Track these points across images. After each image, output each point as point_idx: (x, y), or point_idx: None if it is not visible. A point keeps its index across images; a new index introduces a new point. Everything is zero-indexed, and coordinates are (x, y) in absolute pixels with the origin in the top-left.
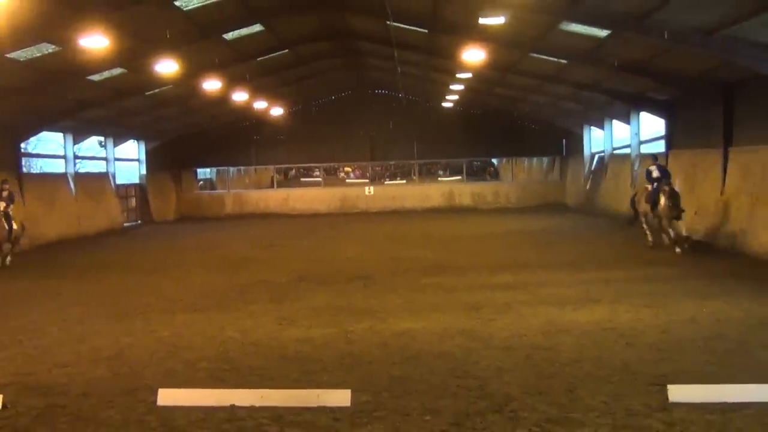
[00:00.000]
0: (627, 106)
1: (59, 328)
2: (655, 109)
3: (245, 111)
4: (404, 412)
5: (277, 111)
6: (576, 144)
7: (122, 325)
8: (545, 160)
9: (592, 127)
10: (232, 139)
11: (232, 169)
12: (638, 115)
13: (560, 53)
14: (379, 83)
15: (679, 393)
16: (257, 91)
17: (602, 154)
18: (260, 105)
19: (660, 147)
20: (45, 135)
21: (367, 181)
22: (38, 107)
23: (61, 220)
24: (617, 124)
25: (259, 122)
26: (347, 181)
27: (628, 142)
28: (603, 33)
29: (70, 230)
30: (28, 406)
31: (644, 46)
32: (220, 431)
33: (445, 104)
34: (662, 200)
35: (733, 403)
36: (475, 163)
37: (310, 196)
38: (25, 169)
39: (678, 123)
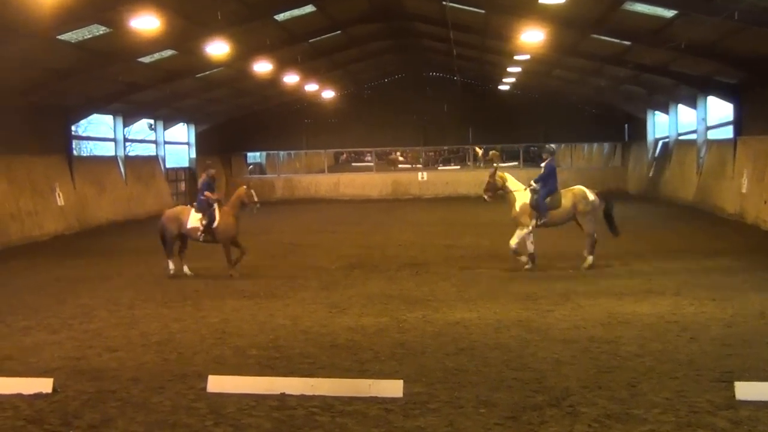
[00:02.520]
0: (693, 90)
1: (109, 312)
2: (724, 93)
3: (296, 94)
4: (458, 405)
5: (328, 94)
6: (639, 129)
7: (172, 310)
8: (606, 146)
9: (656, 112)
10: (283, 122)
11: (282, 153)
12: (705, 99)
13: (623, 34)
14: (432, 66)
15: (746, 390)
16: (308, 74)
17: (667, 140)
18: (311, 88)
19: (728, 133)
20: (95, 117)
21: (421, 166)
22: (88, 89)
23: (112, 204)
24: (683, 109)
25: (310, 105)
26: (399, 166)
27: (694, 128)
28: (669, 13)
29: (120, 213)
30: (78, 391)
31: (713, 27)
32: (270, 419)
33: (502, 87)
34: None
35: None
36: (532, 148)
37: (362, 181)
38: (75, 152)
39: (748, 108)
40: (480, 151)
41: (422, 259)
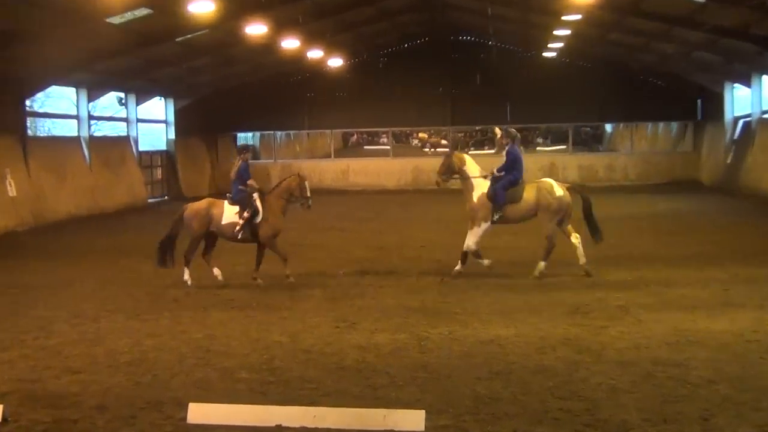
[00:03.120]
0: None
1: (71, 326)
2: None
3: (296, 62)
4: None
5: (335, 63)
6: (714, 106)
7: (146, 323)
8: (674, 126)
9: (736, 85)
10: (280, 97)
11: (279, 133)
12: None
13: None
14: (462, 28)
15: None
16: (311, 38)
17: (749, 118)
18: (315, 55)
19: None
20: (54, 90)
21: (448, 149)
22: (46, 56)
23: (73, 195)
24: None
25: (313, 77)
26: (422, 150)
27: None
28: None
29: (83, 207)
30: (33, 420)
31: None
32: None
33: (547, 54)
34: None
35: None
36: (585, 129)
37: (376, 169)
38: (30, 132)
39: None
40: (500, 133)
41: (449, 264)
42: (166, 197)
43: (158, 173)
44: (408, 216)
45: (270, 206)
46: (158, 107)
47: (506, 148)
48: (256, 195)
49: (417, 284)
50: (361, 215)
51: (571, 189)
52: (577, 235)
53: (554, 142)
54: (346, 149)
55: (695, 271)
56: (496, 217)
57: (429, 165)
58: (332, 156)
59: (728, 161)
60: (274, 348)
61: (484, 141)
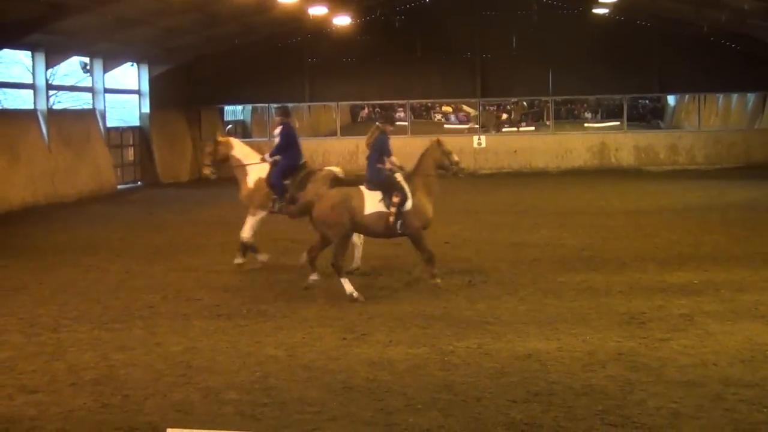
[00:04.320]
0: None
1: (25, 337)
2: None
3: (295, 21)
4: None
5: (342, 21)
6: None
7: (114, 334)
8: (750, 97)
9: None
10: (276, 63)
11: (275, 107)
12: None
13: None
14: None
15: None
16: None
17: None
18: (318, 11)
19: None
20: (6, 54)
21: (476, 127)
22: None
23: (29, 179)
24: None
25: (315, 38)
26: (446, 126)
27: None
28: None
29: (40, 194)
30: None
31: None
32: None
33: (597, 11)
34: None
35: None
36: (642, 101)
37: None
38: None
39: None
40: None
41: (478, 264)
42: (139, 183)
43: (130, 154)
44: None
45: (417, 189)
46: (130, 75)
47: (279, 127)
48: (400, 175)
49: (440, 288)
50: None
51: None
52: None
53: (606, 118)
54: (355, 126)
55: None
56: (276, 206)
57: (455, 144)
58: (338, 134)
59: None
60: (268, 364)
61: (521, 116)
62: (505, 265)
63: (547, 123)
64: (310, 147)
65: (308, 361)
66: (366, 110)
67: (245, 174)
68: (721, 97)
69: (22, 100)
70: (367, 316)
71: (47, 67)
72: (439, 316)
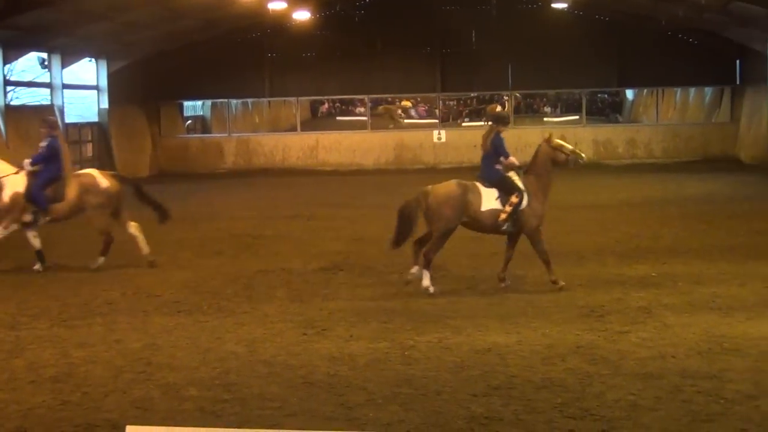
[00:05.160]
0: None
1: None
2: None
3: (255, 16)
4: None
5: (302, 16)
6: (758, 67)
7: (74, 331)
8: (708, 92)
9: None
10: (236, 58)
11: (234, 102)
12: None
13: None
14: None
15: None
16: None
17: None
18: (277, 6)
19: None
20: None
21: (437, 121)
22: None
23: None
24: None
25: (275, 34)
26: (406, 121)
27: None
28: None
29: None
30: None
31: None
32: None
33: (557, 5)
34: None
35: None
36: (601, 95)
37: (351, 144)
38: None
39: None
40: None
41: (438, 258)
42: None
43: (89, 150)
44: (390, 201)
45: (532, 187)
46: (88, 70)
47: (46, 138)
48: (515, 175)
49: (400, 282)
50: (333, 200)
51: (117, 177)
52: (136, 224)
53: (565, 112)
54: (315, 121)
55: (732, 266)
56: (36, 219)
57: (415, 139)
58: (298, 129)
59: None
60: (228, 360)
61: (480, 110)
62: (464, 259)
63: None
64: (270, 142)
65: (269, 357)
66: (326, 105)
67: (2, 188)
68: (678, 91)
69: None
70: (327, 312)
71: (4, 62)
72: (400, 311)
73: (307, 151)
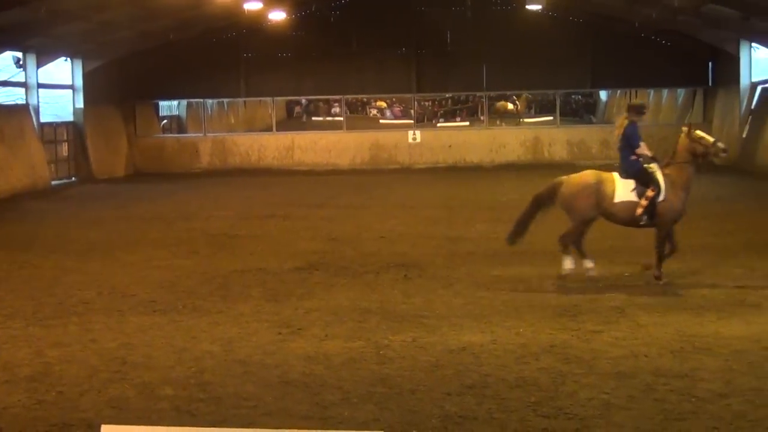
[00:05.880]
0: None
1: None
2: None
3: (230, 17)
4: None
5: (277, 16)
6: (729, 69)
7: (49, 330)
8: (680, 93)
9: (754, 45)
10: (211, 58)
11: (210, 102)
12: None
13: None
14: None
15: None
16: None
17: None
18: (253, 7)
19: None
20: None
21: (411, 122)
22: None
23: None
24: None
25: (250, 34)
26: (381, 122)
27: None
28: None
29: None
30: None
31: None
32: None
33: (531, 7)
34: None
35: None
36: (574, 96)
37: (327, 144)
38: None
39: None
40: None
41: (414, 258)
42: (74, 178)
43: (64, 149)
44: (365, 201)
45: (672, 181)
46: (64, 70)
47: None
48: (655, 166)
49: (375, 282)
50: (308, 200)
51: None
52: None
53: (539, 113)
54: (290, 121)
55: (704, 266)
56: None
57: (390, 139)
58: (274, 129)
59: (744, 135)
60: (204, 359)
61: (455, 111)
62: (440, 259)
63: (482, 118)
64: (245, 142)
65: (244, 356)
66: (302, 102)
67: None
68: (651, 92)
69: None
70: (302, 311)
71: None
72: (375, 310)
73: (283, 151)
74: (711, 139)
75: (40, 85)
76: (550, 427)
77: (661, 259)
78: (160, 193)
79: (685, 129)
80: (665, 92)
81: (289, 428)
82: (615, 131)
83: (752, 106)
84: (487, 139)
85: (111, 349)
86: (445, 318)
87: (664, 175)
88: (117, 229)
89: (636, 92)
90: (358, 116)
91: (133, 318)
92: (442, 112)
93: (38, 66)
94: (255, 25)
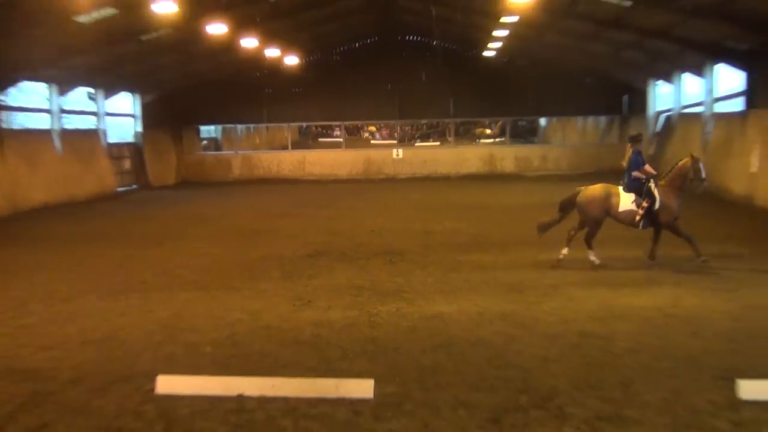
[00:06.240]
0: (701, 57)
1: (45, 306)
2: (735, 60)
3: (255, 60)
4: (434, 406)
5: (291, 60)
6: (639, 101)
7: (115, 303)
8: (601, 120)
9: (659, 82)
10: (241, 92)
11: (240, 127)
12: (713, 67)
13: None
14: (409, 29)
15: (750, 389)
16: (269, 37)
17: (669, 113)
18: (272, 53)
19: (738, 105)
20: (27, 85)
21: (395, 142)
22: (17, 53)
23: (47, 183)
24: (688, 79)
25: (271, 73)
26: (372, 142)
27: (700, 100)
28: None
29: (56, 194)
30: (12, 393)
31: None
32: (226, 423)
33: (487, 53)
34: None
35: None
36: (520, 122)
37: (330, 159)
38: (4, 125)
39: (761, 77)
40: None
41: (397, 247)
42: (134, 186)
43: (127, 164)
44: (359, 203)
45: (665, 192)
46: (125, 102)
47: None
48: (651, 182)
49: (367, 265)
50: (315, 202)
51: None
52: None
53: (491, 135)
54: (302, 141)
55: (620, 252)
56: None
57: (379, 156)
58: (289, 147)
59: (650, 152)
60: (235, 324)
61: (429, 134)
62: (417, 248)
63: (450, 139)
64: (267, 157)
65: (266, 323)
66: (308, 129)
67: None
68: (579, 119)
69: (40, 122)
70: (311, 288)
71: (60, 95)
72: (367, 287)
73: (296, 164)
74: (704, 174)
75: (107, 114)
76: (501, 376)
77: (692, 243)
78: (200, 197)
79: (693, 155)
80: (590, 119)
81: (301, 377)
82: (624, 157)
83: (656, 130)
84: (453, 156)
85: (163, 318)
86: (420, 293)
87: (659, 186)
88: (167, 225)
89: (568, 119)
90: (354, 137)
91: (181, 293)
92: (418, 134)
93: (106, 98)
94: (274, 67)
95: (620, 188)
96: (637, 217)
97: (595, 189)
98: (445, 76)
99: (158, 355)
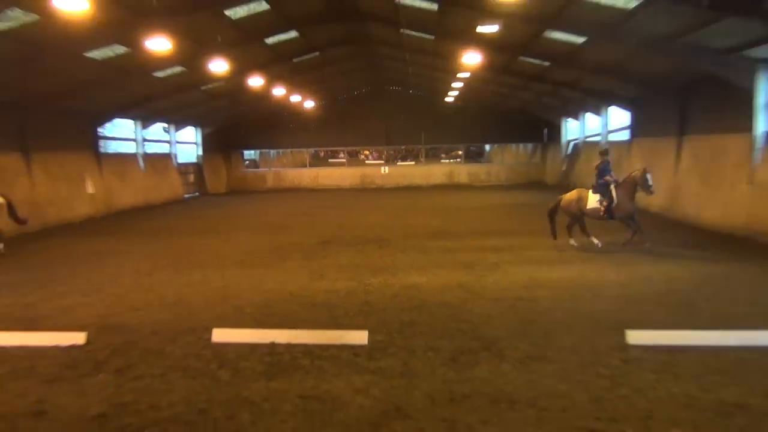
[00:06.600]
0: (598, 102)
1: (132, 279)
2: (622, 103)
3: (283, 102)
4: (411, 350)
5: (309, 103)
6: (555, 132)
7: (183, 277)
8: (530, 145)
9: (569, 119)
10: (273, 125)
11: (272, 150)
12: (607, 109)
13: (544, 56)
14: (393, 81)
15: (635, 337)
16: (293, 86)
17: (576, 141)
18: (295, 98)
19: (625, 135)
20: (119, 121)
21: (383, 162)
22: (112, 98)
23: (132, 192)
24: (590, 116)
25: (294, 112)
26: (366, 162)
27: (598, 131)
28: (580, 40)
29: (139, 200)
30: (107, 342)
31: (614, 51)
32: (262, 363)
33: (448, 99)
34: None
35: (680, 346)
36: (472, 147)
37: (336, 174)
38: (102, 150)
39: (641, 116)
40: (460, 152)
41: (384, 236)
42: (197, 193)
43: (191, 177)
44: (357, 205)
45: (623, 193)
46: (190, 133)
47: None
48: (612, 186)
49: (363, 250)
50: (326, 205)
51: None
52: None
53: (453, 157)
54: (317, 161)
55: (541, 240)
56: None
57: (371, 172)
58: (307, 165)
59: (563, 169)
60: (269, 292)
61: (407, 156)
62: (399, 236)
63: (422, 160)
64: (291, 173)
65: (291, 290)
66: (322, 152)
67: None
68: (513, 145)
69: (128, 147)
70: (323, 265)
71: (142, 128)
72: (363, 265)
73: (312, 178)
74: (650, 184)
75: (177, 142)
76: (458, 328)
77: (635, 233)
78: (243, 202)
79: (641, 169)
80: (521, 145)
81: (316, 329)
82: (594, 165)
83: (567, 153)
84: (424, 172)
85: (217, 287)
86: (401, 269)
87: (617, 188)
88: (220, 221)
89: (505, 145)
90: (353, 159)
91: (229, 270)
92: (399, 156)
93: (176, 130)
94: (296, 108)
95: (590, 191)
96: (602, 212)
97: (571, 194)
98: (418, 115)
99: (213, 314)
